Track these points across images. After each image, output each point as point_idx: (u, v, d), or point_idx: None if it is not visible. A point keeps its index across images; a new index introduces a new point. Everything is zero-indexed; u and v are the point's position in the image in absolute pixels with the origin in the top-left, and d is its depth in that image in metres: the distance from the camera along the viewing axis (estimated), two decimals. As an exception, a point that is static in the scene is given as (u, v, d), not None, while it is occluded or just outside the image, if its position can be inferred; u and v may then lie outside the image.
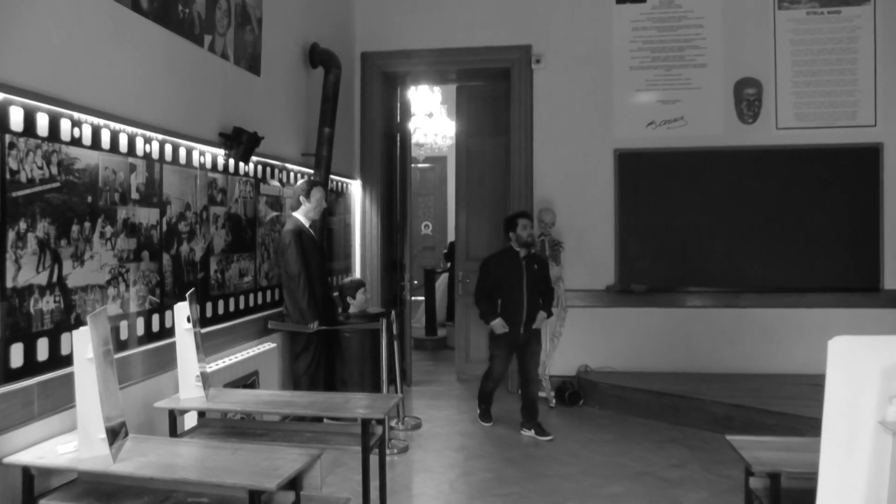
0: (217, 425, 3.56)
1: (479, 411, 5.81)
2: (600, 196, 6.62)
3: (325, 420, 3.92)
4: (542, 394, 6.34)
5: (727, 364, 6.31)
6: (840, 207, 6.35)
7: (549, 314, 5.61)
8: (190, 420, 3.52)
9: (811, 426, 3.85)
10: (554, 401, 6.25)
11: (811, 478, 1.79)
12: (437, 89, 9.83)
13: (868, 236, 6.35)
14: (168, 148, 3.57)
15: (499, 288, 5.40)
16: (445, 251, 10.49)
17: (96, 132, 2.99)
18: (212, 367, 3.79)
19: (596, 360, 6.53)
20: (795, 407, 4.94)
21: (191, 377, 3.27)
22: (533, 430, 5.39)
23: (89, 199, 2.95)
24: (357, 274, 6.65)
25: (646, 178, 6.58)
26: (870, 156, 6.35)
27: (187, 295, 3.22)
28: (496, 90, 7.17)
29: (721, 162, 6.49)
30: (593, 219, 6.60)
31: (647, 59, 6.62)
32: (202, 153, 3.92)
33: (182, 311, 3.22)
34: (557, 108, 6.67)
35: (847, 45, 6.40)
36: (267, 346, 4.58)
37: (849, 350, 1.73)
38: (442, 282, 9.88)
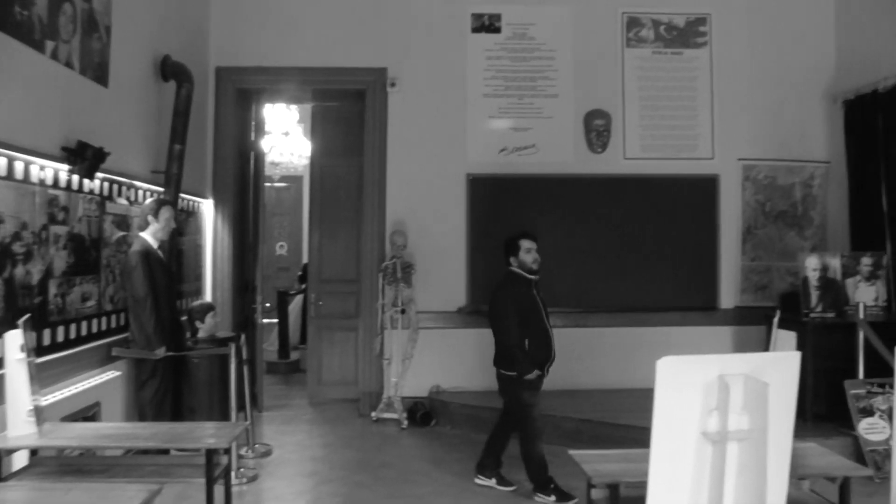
0: (51, 464, 3.33)
1: (551, 496, 4.50)
2: (452, 219, 6.77)
3: (171, 451, 3.78)
4: (394, 415, 6.40)
5: (577, 381, 6.54)
6: (682, 233, 6.88)
7: None
8: (20, 460, 3.25)
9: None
10: (406, 422, 6.30)
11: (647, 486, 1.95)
12: (293, 108, 9.75)
13: (706, 260, 6.92)
14: (2, 161, 3.34)
15: (521, 326, 4.62)
16: (300, 272, 10.36)
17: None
18: (47, 399, 3.55)
19: (448, 381, 6.65)
20: (639, 419, 5.18)
21: (21, 412, 3.03)
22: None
23: None
24: (207, 296, 6.45)
25: (498, 202, 6.80)
26: (708, 186, 6.94)
27: (20, 322, 3.00)
28: (352, 111, 7.18)
29: (571, 189, 6.83)
30: (445, 241, 6.73)
31: (501, 87, 6.88)
32: (42, 168, 3.69)
33: (14, 340, 2.99)
34: (411, 131, 6.78)
35: (688, 84, 6.97)
36: (111, 374, 4.35)
37: (675, 368, 1.92)
38: (296, 304, 9.74)
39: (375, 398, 6.64)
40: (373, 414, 6.51)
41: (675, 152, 6.93)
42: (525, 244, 4.72)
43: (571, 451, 3.11)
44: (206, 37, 6.62)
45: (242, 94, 6.89)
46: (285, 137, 9.87)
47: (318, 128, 7.56)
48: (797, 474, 2.68)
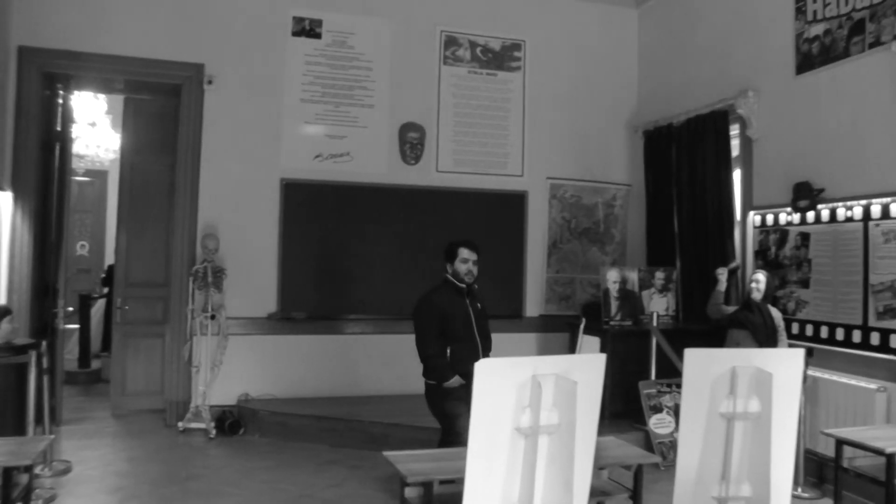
0: None
1: None
2: (265, 224, 6.66)
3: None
4: (202, 425, 6.19)
5: (385, 386, 6.69)
6: (491, 245, 7.09)
7: None
8: None
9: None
10: (214, 431, 6.12)
11: (460, 482, 2.08)
12: (102, 97, 9.14)
13: (514, 271, 7.32)
14: None
15: (446, 333, 4.47)
16: (103, 275, 9.72)
17: None
18: None
19: (257, 388, 6.53)
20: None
21: None
22: None
23: None
24: (2, 300, 5.89)
25: (311, 208, 6.77)
26: (517, 202, 7.35)
27: None
28: (166, 107, 6.87)
29: (384, 198, 6.95)
30: (257, 246, 6.61)
31: (318, 93, 6.85)
32: None
33: None
34: (227, 131, 6.58)
35: (501, 105, 7.34)
36: None
37: (492, 369, 2.07)
38: (98, 308, 9.13)
39: (182, 407, 6.38)
40: (180, 424, 6.25)
41: (487, 168, 7.27)
42: (463, 253, 4.59)
43: (386, 453, 3.20)
44: (8, 12, 6.02)
45: (48, 78, 6.36)
46: (92, 128, 9.24)
47: (130, 121, 7.15)
48: (598, 464, 2.94)
